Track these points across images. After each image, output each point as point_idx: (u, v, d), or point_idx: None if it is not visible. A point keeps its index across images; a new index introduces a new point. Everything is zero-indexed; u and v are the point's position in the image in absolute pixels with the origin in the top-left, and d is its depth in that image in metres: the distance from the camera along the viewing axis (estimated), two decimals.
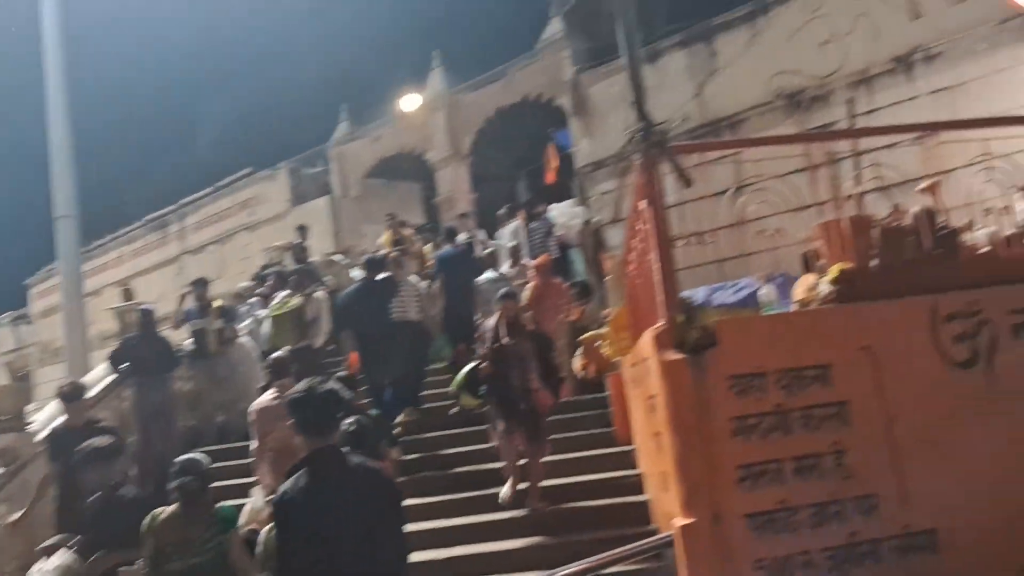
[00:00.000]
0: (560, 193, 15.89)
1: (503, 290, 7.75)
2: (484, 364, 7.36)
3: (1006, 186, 4.99)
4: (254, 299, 12.65)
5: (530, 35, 16.61)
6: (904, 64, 11.68)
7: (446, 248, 11.09)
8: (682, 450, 4.24)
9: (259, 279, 13.89)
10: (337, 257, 14.54)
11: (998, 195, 5.03)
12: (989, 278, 4.74)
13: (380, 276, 9.24)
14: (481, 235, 14.23)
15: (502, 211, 14.58)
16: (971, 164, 5.13)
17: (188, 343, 10.43)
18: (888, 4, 11.76)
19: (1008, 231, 5.00)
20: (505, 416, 7.14)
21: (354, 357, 8.91)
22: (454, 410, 8.91)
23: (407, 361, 9.32)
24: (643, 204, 4.75)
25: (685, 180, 4.57)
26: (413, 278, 9.99)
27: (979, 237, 5.16)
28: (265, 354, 10.33)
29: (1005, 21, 10.42)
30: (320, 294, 11.14)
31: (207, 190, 21.87)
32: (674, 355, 4.28)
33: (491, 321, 7.48)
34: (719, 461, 4.19)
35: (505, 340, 7.19)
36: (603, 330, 9.05)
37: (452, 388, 8.10)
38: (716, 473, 4.18)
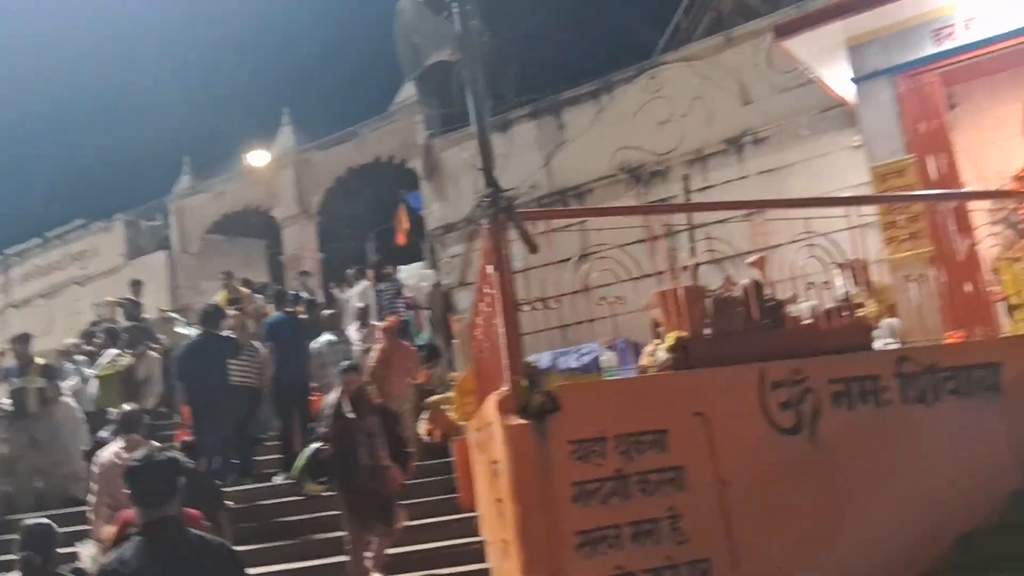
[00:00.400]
0: (410, 255, 15.89)
1: (345, 363, 7.40)
2: (326, 446, 6.99)
3: (826, 262, 5.33)
4: (81, 357, 11.91)
5: (384, 97, 16.69)
6: (735, 145, 12.43)
7: (276, 313, 10.41)
8: (523, 517, 4.22)
9: (88, 336, 13.11)
10: (173, 315, 13.89)
11: (819, 270, 5.36)
12: (811, 348, 5.03)
13: (222, 333, 8.86)
14: (322, 295, 14.00)
15: (350, 271, 14.42)
16: (795, 240, 5.46)
17: (5, 403, 9.65)
18: (721, 90, 12.54)
19: (828, 305, 5.33)
20: (351, 507, 6.77)
21: (187, 413, 8.48)
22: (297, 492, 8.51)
23: (241, 427, 8.97)
24: (490, 269, 4.79)
25: (531, 246, 4.65)
26: (257, 343, 9.65)
27: (802, 309, 5.48)
28: (91, 416, 9.68)
29: (826, 110, 11.30)
30: (153, 353, 10.59)
31: (35, 241, 20.62)
32: (517, 420, 4.28)
33: (332, 396, 7.14)
34: (559, 527, 4.19)
35: (349, 416, 6.89)
36: (450, 394, 9.01)
37: (293, 474, 7.59)
38: (556, 540, 4.17)
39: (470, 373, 7.93)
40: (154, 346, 11.25)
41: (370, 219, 19.31)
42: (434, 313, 13.78)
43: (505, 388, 4.46)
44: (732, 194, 12.04)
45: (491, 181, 4.73)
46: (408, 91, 16.13)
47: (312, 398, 9.47)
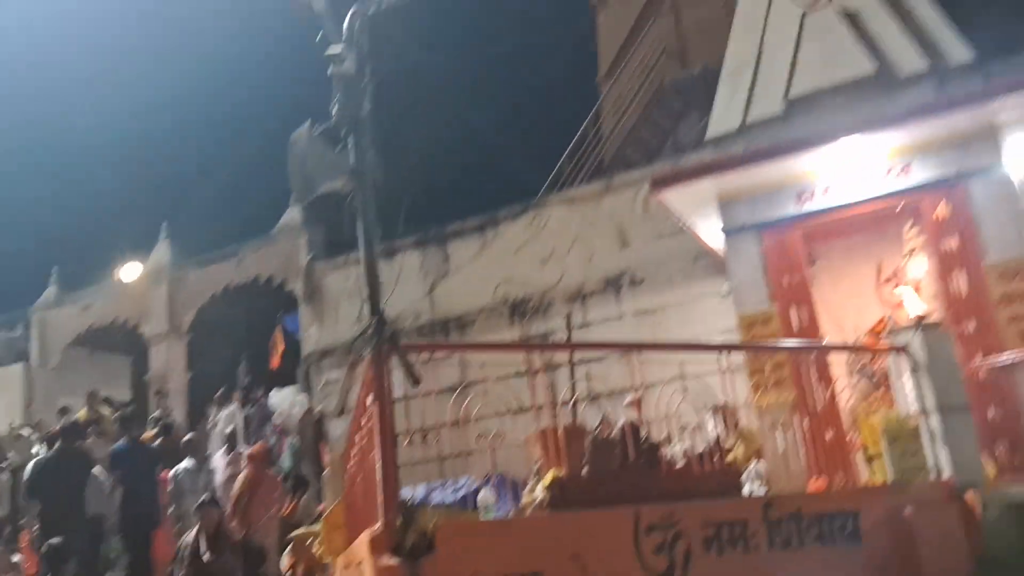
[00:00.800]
0: (284, 379, 15.50)
1: (202, 498, 7.02)
2: None
3: (699, 405, 5.50)
4: None
5: (268, 216, 16.62)
6: (614, 285, 12.87)
7: (121, 442, 9.56)
8: None
9: None
10: (26, 431, 13.01)
11: (692, 412, 5.52)
12: (684, 492, 5.12)
13: (79, 450, 8.35)
14: (187, 418, 13.44)
15: (219, 393, 13.92)
16: (669, 382, 5.63)
17: None
18: (601, 231, 13.05)
19: (700, 448, 5.47)
20: None
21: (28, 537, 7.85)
22: None
23: (91, 555, 8.35)
24: (370, 399, 4.72)
25: (414, 379, 4.62)
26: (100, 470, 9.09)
27: (676, 451, 5.61)
28: None
29: (698, 258, 11.87)
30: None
31: None
32: (390, 560, 4.15)
33: (190, 536, 6.72)
34: None
35: (207, 557, 6.47)
36: (316, 527, 8.65)
37: None
38: None
39: (340, 506, 7.66)
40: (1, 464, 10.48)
41: (244, 340, 18.84)
42: (304, 441, 13.36)
43: (379, 526, 4.33)
44: (610, 332, 12.37)
45: (376, 310, 4.72)
46: (294, 213, 16.12)
47: (159, 532, 8.89)
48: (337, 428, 13.33)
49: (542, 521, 4.90)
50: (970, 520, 5.63)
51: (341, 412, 13.63)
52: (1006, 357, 7.95)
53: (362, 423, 5.35)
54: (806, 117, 9.27)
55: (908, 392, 6.14)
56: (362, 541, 4.57)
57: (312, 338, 15.28)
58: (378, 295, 4.92)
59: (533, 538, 4.60)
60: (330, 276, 15.31)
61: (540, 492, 5.15)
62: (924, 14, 9.20)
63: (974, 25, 9.38)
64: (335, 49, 4.97)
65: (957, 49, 8.97)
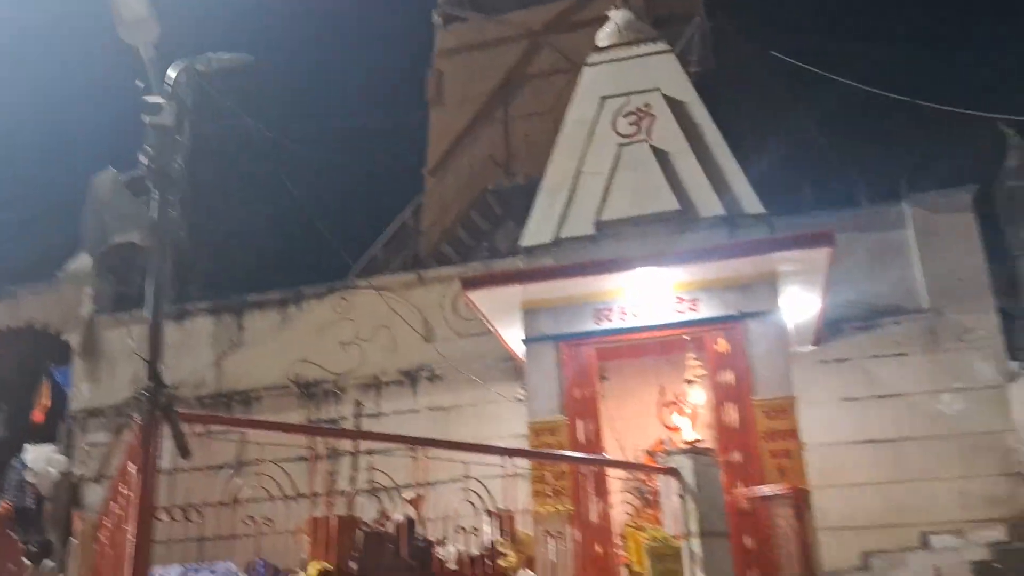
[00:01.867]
0: (44, 435, 14.21)
1: None
2: None
3: (478, 508, 5.49)
4: None
5: (50, 260, 15.46)
6: (411, 378, 12.83)
7: None
8: None
9: None
10: None
11: (471, 514, 5.50)
12: None
13: None
14: None
15: None
16: (452, 481, 5.60)
17: None
18: (407, 323, 13.04)
19: (474, 551, 5.44)
20: None
21: None
22: None
23: None
24: (132, 467, 4.40)
25: (184, 451, 4.35)
26: None
27: (449, 553, 5.55)
28: None
29: (499, 361, 12.06)
30: None
31: None
32: None
33: None
34: None
35: None
36: None
37: None
38: None
39: None
40: None
41: (7, 387, 17.21)
42: (57, 505, 12.24)
43: None
44: (403, 425, 12.25)
45: (153, 374, 4.45)
46: (83, 261, 15.12)
47: None
48: (95, 495, 12.33)
49: None
50: None
51: (100, 478, 12.64)
52: (765, 489, 8.49)
53: (121, 492, 4.96)
54: (613, 241, 9.76)
55: (675, 513, 6.40)
56: None
57: (82, 395, 14.18)
58: (159, 357, 4.65)
59: None
60: (111, 332, 14.37)
61: None
62: (725, 165, 10.02)
63: (765, 183, 10.30)
64: (154, 98, 4.78)
65: (749, 201, 9.79)
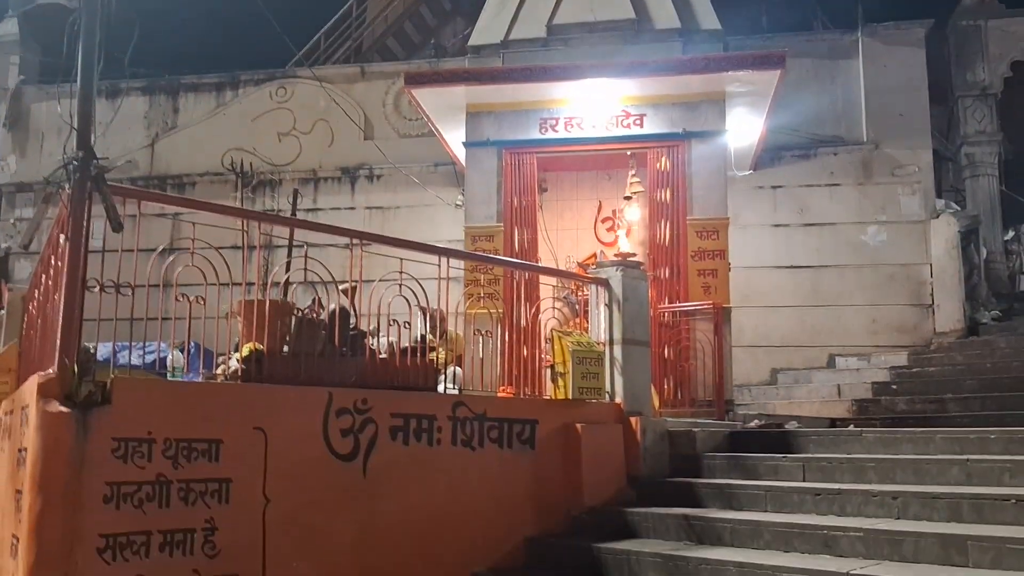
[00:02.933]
0: None
1: None
2: None
3: (412, 304, 5.59)
4: None
5: None
6: (350, 176, 12.68)
7: None
8: (42, 512, 3.81)
9: None
10: None
11: (404, 312, 5.61)
12: (382, 382, 5.23)
13: None
14: None
15: None
16: (387, 279, 5.67)
17: None
18: (347, 118, 12.74)
19: (405, 344, 5.59)
20: None
21: None
22: None
23: None
24: (62, 239, 4.34)
25: (115, 223, 4.28)
26: None
27: (382, 343, 5.69)
28: None
29: (439, 165, 11.96)
30: None
31: None
32: (58, 407, 3.89)
33: None
34: (82, 528, 3.85)
35: None
36: None
37: None
38: (75, 540, 3.82)
39: (13, 349, 7.06)
40: None
41: None
42: None
43: (51, 370, 4.04)
44: (339, 221, 12.17)
45: (84, 143, 4.31)
46: (8, 27, 14.22)
47: None
48: (23, 270, 12.21)
49: (229, 389, 4.80)
50: (630, 442, 6.24)
51: (27, 246, 12.47)
52: (689, 305, 8.82)
53: (51, 263, 4.92)
54: (564, 47, 9.54)
55: (601, 322, 6.63)
56: (30, 385, 4.25)
57: (9, 168, 13.74)
58: (89, 129, 4.48)
59: (217, 405, 4.51)
60: (40, 104, 13.76)
61: (234, 363, 5.03)
62: None
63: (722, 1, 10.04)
64: None
65: (706, 15, 9.58)
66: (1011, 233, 14.14)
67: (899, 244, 11.14)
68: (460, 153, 10.23)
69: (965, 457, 5.36)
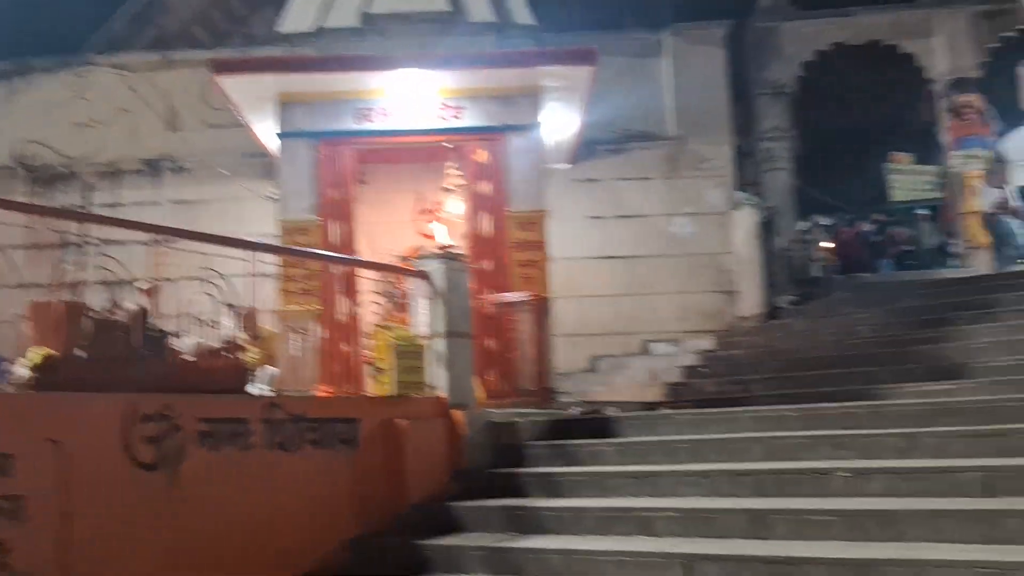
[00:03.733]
0: None
1: None
2: None
3: (218, 302, 5.32)
4: None
5: None
6: (154, 168, 11.98)
7: None
8: None
9: None
10: None
11: (211, 309, 5.33)
12: (188, 385, 4.95)
13: None
14: None
15: None
16: (193, 276, 5.37)
17: None
18: (150, 108, 12.03)
19: (212, 344, 5.32)
20: None
21: None
22: None
23: None
24: None
25: None
26: None
27: (187, 345, 5.38)
28: None
29: (250, 156, 11.47)
30: None
31: None
32: None
33: None
34: None
35: None
36: None
37: None
38: None
39: None
40: None
41: None
42: None
43: None
44: (143, 216, 11.43)
45: None
46: None
47: None
48: None
49: (17, 400, 4.41)
50: (455, 435, 6.22)
51: None
52: (510, 296, 8.91)
53: None
54: (379, 37, 9.40)
55: (423, 315, 6.56)
56: None
57: None
58: None
59: (6, 417, 4.12)
60: None
61: (23, 371, 4.62)
62: None
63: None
64: None
65: (520, 10, 9.68)
66: (806, 224, 15.21)
67: (705, 234, 11.70)
68: (273, 144, 9.87)
69: (767, 434, 5.67)
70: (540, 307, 8.87)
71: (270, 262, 7.43)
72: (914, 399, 6.40)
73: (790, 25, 14.07)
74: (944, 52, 13.82)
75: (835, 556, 3.96)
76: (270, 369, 6.91)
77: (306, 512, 5.22)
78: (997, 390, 6.17)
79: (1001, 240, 12.61)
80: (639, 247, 11.68)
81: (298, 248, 8.70)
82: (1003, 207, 12.07)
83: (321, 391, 6.77)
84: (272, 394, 5.71)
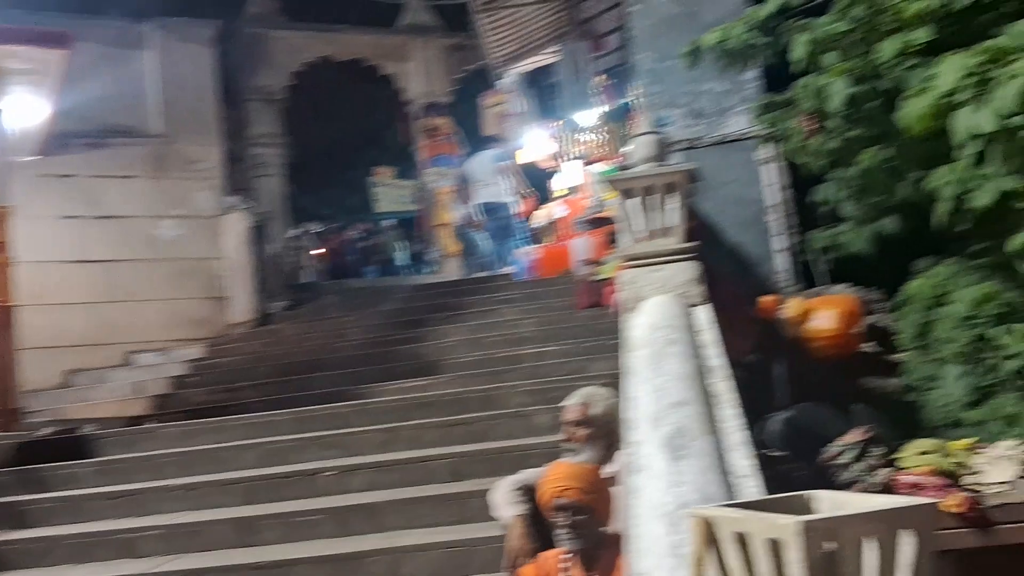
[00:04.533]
0: None
1: None
2: None
3: None
4: None
5: None
6: None
7: None
8: None
9: None
10: None
11: None
12: None
13: None
14: None
15: None
16: None
17: None
18: None
19: None
20: None
21: None
22: None
23: None
24: None
25: None
26: None
27: None
28: None
29: None
30: None
31: None
32: None
33: None
34: None
35: None
36: None
37: None
38: None
39: None
40: None
41: None
42: None
43: None
44: None
45: None
46: None
47: None
48: None
49: None
50: None
51: None
52: None
53: None
54: None
55: None
56: None
57: None
58: None
59: None
60: None
61: None
62: None
63: None
64: None
65: None
66: (297, 230, 15.52)
67: (194, 239, 11.35)
68: None
69: (258, 441, 5.71)
70: (3, 317, 7.84)
71: None
72: (396, 396, 6.87)
73: (280, 34, 14.25)
74: (419, 77, 15.15)
75: (321, 554, 4.13)
76: None
77: None
78: (464, 383, 6.90)
79: (468, 249, 14.22)
80: (121, 251, 10.94)
81: None
82: (469, 221, 13.58)
83: None
84: None
